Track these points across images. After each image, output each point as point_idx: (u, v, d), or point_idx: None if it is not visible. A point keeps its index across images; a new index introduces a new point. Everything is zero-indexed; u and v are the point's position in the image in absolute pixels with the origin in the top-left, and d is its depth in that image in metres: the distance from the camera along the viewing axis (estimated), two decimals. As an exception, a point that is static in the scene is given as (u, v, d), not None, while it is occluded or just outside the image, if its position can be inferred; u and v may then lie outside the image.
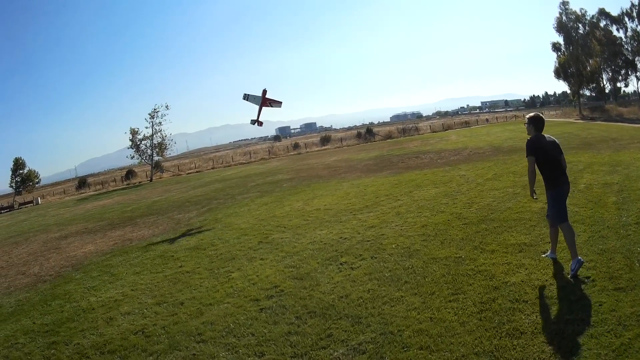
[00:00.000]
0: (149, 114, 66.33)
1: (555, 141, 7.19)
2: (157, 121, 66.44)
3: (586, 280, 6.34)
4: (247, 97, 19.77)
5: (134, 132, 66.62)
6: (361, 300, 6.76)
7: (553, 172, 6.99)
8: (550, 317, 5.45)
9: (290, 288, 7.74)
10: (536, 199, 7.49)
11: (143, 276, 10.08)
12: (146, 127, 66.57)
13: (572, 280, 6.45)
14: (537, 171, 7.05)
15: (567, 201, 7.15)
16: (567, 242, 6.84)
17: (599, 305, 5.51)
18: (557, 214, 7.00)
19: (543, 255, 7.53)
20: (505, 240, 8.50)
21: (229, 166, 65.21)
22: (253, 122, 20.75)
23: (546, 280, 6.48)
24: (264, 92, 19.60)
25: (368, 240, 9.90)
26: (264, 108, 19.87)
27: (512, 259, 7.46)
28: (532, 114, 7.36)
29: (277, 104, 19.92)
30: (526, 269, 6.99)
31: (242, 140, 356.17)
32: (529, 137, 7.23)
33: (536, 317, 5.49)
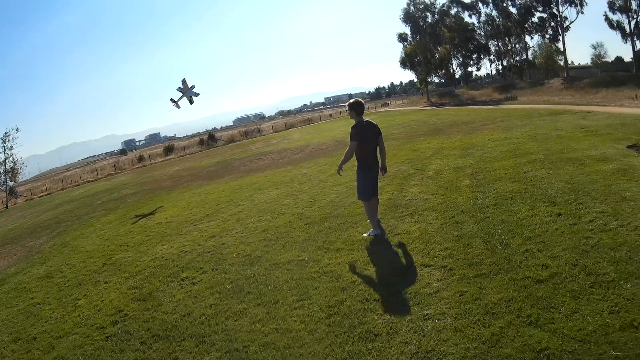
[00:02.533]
0: (1, 139, 62.55)
1: (374, 124, 8.01)
2: (9, 145, 63.09)
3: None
4: (181, 89, 24.87)
5: (-14, 159, 62.30)
6: (204, 317, 6.30)
7: (365, 153, 7.90)
8: (405, 314, 5.17)
9: (134, 311, 7.13)
10: (341, 175, 8.73)
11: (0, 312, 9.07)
12: (-1, 153, 63.25)
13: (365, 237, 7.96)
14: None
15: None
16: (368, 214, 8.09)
17: (460, 295, 5.31)
18: (362, 192, 8.07)
19: (364, 235, 8.14)
20: (351, 237, 8.31)
21: (77, 185, 61.96)
22: (172, 101, 25.03)
23: (397, 276, 6.27)
24: (192, 87, 24.98)
25: (208, 252, 9.43)
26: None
27: (358, 256, 7.27)
28: (351, 100, 8.16)
29: (193, 94, 25.14)
30: (375, 265, 6.82)
31: (90, 157, 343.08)
32: (353, 122, 7.94)
33: (390, 316, 5.21)
